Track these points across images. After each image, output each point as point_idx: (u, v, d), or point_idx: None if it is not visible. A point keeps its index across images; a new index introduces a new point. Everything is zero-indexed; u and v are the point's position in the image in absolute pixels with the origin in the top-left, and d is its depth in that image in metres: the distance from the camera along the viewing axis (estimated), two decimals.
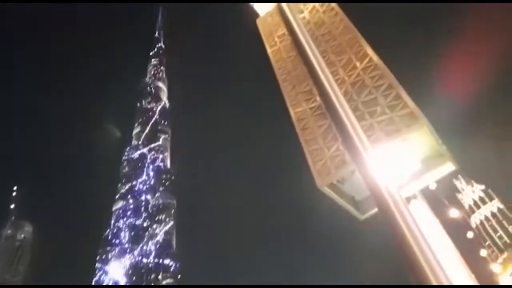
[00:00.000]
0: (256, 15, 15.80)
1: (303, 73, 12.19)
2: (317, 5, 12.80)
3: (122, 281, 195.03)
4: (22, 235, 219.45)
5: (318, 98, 11.38)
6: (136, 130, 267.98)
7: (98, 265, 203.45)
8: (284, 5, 12.51)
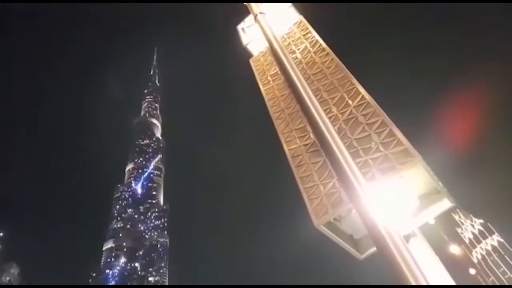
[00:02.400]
0: (249, 54, 16.19)
1: (297, 111, 12.31)
2: (308, 45, 13.17)
3: None
4: (8, 278, 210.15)
5: (312, 135, 11.41)
6: (129, 167, 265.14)
7: None
8: (275, 45, 12.87)
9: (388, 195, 10.16)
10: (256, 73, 14.85)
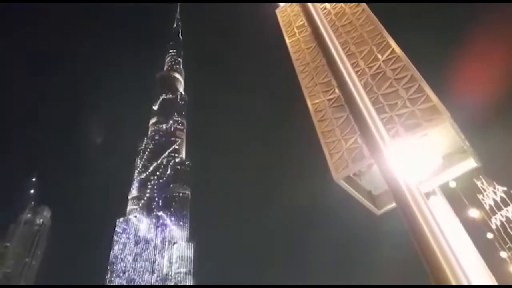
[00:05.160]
0: (275, 5, 15.59)
1: (322, 65, 11.99)
2: None
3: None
4: (41, 220, 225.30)
5: (337, 90, 11.17)
6: (153, 121, 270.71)
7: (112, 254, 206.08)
8: None
9: (411, 152, 10.01)
10: (281, 24, 14.38)
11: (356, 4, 12.30)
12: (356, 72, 10.75)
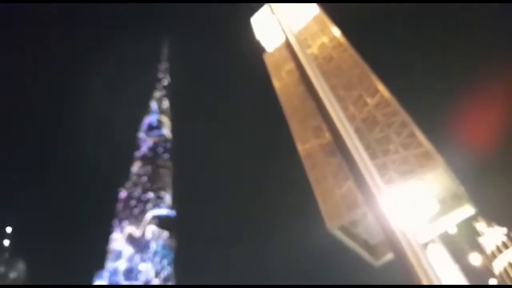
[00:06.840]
0: (263, 50, 15.76)
1: (311, 109, 11.86)
2: (325, 40, 12.69)
3: None
4: (16, 273, 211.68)
5: (327, 135, 10.93)
6: (136, 166, 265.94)
7: None
8: (292, 40, 12.41)
9: (406, 198, 9.63)
10: (269, 68, 14.44)
11: (343, 48, 12.46)
12: (346, 116, 10.59)
